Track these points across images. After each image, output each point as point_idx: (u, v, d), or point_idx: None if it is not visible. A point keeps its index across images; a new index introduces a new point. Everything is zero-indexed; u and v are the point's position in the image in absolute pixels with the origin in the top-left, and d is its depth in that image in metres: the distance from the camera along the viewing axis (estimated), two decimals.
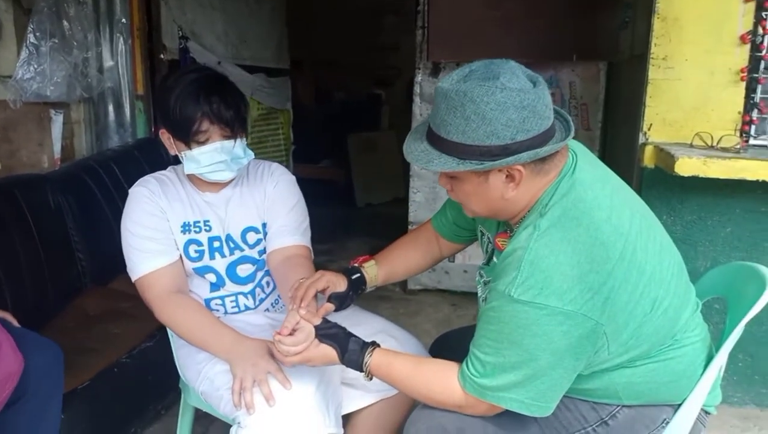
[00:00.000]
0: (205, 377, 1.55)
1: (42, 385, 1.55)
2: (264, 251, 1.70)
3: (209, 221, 1.65)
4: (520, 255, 1.14)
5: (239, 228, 1.67)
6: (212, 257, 1.65)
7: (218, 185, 1.66)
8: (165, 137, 1.59)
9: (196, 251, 1.64)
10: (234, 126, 1.54)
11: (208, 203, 1.66)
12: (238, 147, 1.57)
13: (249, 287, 1.70)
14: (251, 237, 1.68)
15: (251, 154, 1.63)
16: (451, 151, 1.14)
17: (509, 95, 1.08)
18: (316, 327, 1.33)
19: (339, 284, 1.55)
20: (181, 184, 1.67)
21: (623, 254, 1.15)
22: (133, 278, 1.61)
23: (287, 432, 1.37)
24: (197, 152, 1.53)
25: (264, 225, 1.70)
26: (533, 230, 1.15)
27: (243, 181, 1.70)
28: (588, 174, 1.22)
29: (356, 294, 1.58)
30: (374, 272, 1.60)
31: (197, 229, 1.64)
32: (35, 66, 2.48)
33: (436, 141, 1.16)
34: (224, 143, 1.54)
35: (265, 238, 1.70)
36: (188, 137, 1.52)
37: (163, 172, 1.71)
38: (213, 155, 1.54)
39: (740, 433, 2.26)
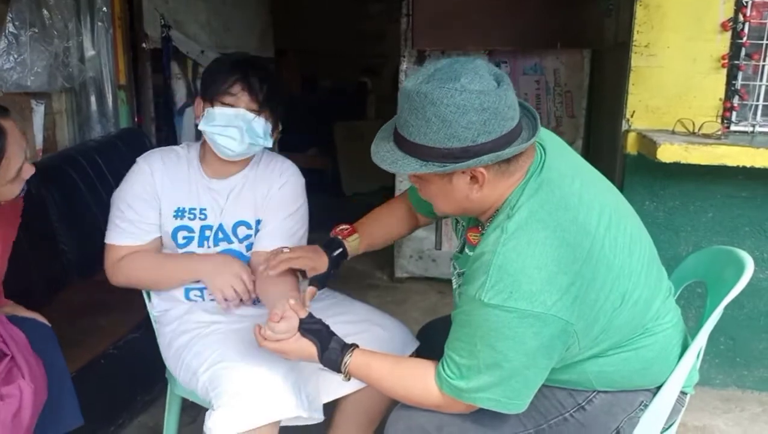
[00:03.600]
0: (183, 362, 1.56)
1: (45, 358, 1.53)
2: (251, 247, 1.69)
3: (206, 210, 1.65)
4: (488, 259, 1.15)
5: (232, 221, 1.67)
6: (200, 245, 1.66)
7: (228, 170, 1.65)
8: (197, 102, 1.62)
9: (184, 238, 1.65)
10: (262, 101, 1.55)
11: (210, 190, 1.66)
12: (258, 123, 1.56)
13: None
14: (242, 231, 1.68)
15: (270, 141, 1.61)
16: (414, 152, 1.13)
17: (469, 97, 1.07)
18: (301, 321, 1.33)
19: (319, 264, 1.56)
20: (188, 165, 1.67)
21: (590, 253, 1.16)
22: (105, 240, 1.66)
23: (260, 412, 1.38)
24: (219, 110, 1.54)
25: (258, 222, 1.69)
26: (501, 233, 1.15)
27: (253, 171, 1.69)
28: (556, 172, 1.22)
29: (338, 268, 1.59)
30: (356, 244, 1.61)
31: (191, 216, 1.65)
32: (15, 56, 2.44)
33: (400, 142, 1.16)
34: (246, 113, 1.54)
35: (255, 234, 1.69)
36: (215, 94, 1.54)
37: (175, 147, 1.72)
38: (230, 118, 1.54)
39: (722, 414, 2.30)
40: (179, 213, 1.64)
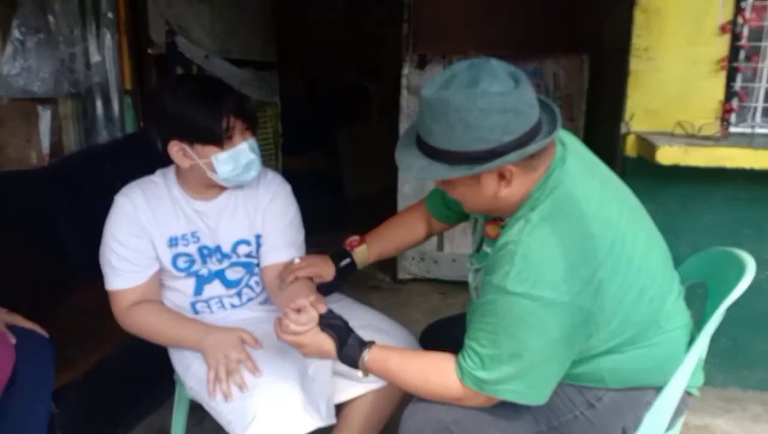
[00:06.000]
0: (193, 374, 1.57)
1: (30, 378, 1.54)
2: (252, 255, 1.69)
3: (197, 232, 1.62)
4: (512, 249, 1.16)
5: (230, 241, 1.65)
6: (204, 262, 1.65)
7: (212, 192, 1.62)
8: (176, 149, 1.52)
9: (185, 262, 1.63)
10: (251, 119, 1.55)
11: (197, 213, 1.62)
12: (255, 142, 1.57)
13: (236, 289, 1.71)
14: (242, 249, 1.67)
15: (260, 151, 1.61)
16: (440, 158, 1.15)
17: (491, 101, 1.09)
18: (321, 316, 1.34)
19: (326, 272, 1.59)
20: (168, 191, 1.62)
21: (612, 246, 1.18)
22: (106, 287, 1.62)
23: (283, 431, 1.38)
24: (233, 152, 1.50)
25: (257, 236, 1.68)
26: (525, 224, 1.17)
27: (237, 189, 1.65)
28: (578, 166, 1.24)
29: (345, 280, 1.62)
30: (365, 255, 1.64)
31: (185, 242, 1.62)
32: (21, 62, 2.47)
33: (425, 148, 1.17)
34: (249, 141, 1.53)
35: (257, 249, 1.69)
36: (219, 138, 1.48)
37: (151, 177, 1.65)
38: (247, 153, 1.53)
39: (724, 414, 2.31)
40: (173, 242, 1.61)
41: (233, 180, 1.57)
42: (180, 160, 1.54)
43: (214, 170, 1.53)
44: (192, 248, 1.63)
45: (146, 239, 1.58)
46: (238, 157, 1.52)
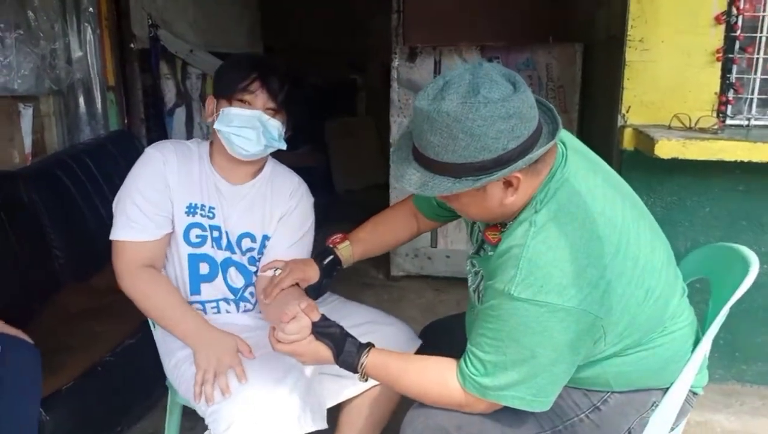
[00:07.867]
0: (182, 374, 1.53)
1: (17, 387, 1.49)
2: (253, 259, 1.67)
3: (214, 208, 1.61)
4: (517, 253, 1.13)
5: (237, 231, 1.63)
6: (212, 246, 1.62)
7: (237, 176, 1.62)
8: (209, 102, 1.59)
9: (198, 237, 1.60)
10: (280, 102, 1.54)
11: (218, 190, 1.62)
12: (274, 125, 1.55)
13: (233, 297, 1.67)
14: (245, 243, 1.65)
15: (283, 144, 1.59)
16: (443, 171, 1.10)
17: (494, 108, 1.05)
18: (314, 324, 1.30)
19: (309, 274, 1.56)
20: (200, 161, 1.62)
21: (618, 247, 1.15)
22: (111, 237, 1.57)
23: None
24: (236, 111, 1.51)
25: (264, 237, 1.66)
26: (529, 227, 1.14)
27: (265, 186, 1.66)
28: (580, 165, 1.21)
29: (331, 277, 1.58)
30: (349, 252, 1.60)
31: (203, 213, 1.60)
32: (1, 59, 2.40)
33: (425, 162, 1.12)
34: (263, 114, 1.52)
35: (260, 249, 1.66)
36: (233, 92, 1.50)
37: (187, 141, 1.66)
38: (247, 119, 1.51)
39: (723, 409, 2.31)
40: (191, 209, 1.59)
41: (227, 140, 1.54)
42: (209, 114, 1.59)
43: (214, 121, 1.55)
44: (206, 222, 1.61)
45: (167, 197, 1.56)
46: (239, 117, 1.51)
